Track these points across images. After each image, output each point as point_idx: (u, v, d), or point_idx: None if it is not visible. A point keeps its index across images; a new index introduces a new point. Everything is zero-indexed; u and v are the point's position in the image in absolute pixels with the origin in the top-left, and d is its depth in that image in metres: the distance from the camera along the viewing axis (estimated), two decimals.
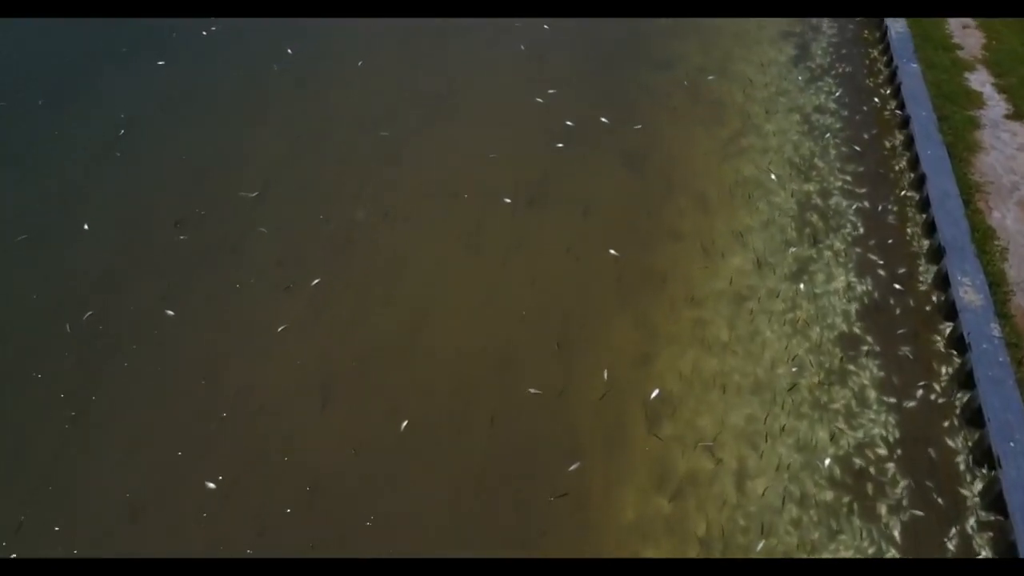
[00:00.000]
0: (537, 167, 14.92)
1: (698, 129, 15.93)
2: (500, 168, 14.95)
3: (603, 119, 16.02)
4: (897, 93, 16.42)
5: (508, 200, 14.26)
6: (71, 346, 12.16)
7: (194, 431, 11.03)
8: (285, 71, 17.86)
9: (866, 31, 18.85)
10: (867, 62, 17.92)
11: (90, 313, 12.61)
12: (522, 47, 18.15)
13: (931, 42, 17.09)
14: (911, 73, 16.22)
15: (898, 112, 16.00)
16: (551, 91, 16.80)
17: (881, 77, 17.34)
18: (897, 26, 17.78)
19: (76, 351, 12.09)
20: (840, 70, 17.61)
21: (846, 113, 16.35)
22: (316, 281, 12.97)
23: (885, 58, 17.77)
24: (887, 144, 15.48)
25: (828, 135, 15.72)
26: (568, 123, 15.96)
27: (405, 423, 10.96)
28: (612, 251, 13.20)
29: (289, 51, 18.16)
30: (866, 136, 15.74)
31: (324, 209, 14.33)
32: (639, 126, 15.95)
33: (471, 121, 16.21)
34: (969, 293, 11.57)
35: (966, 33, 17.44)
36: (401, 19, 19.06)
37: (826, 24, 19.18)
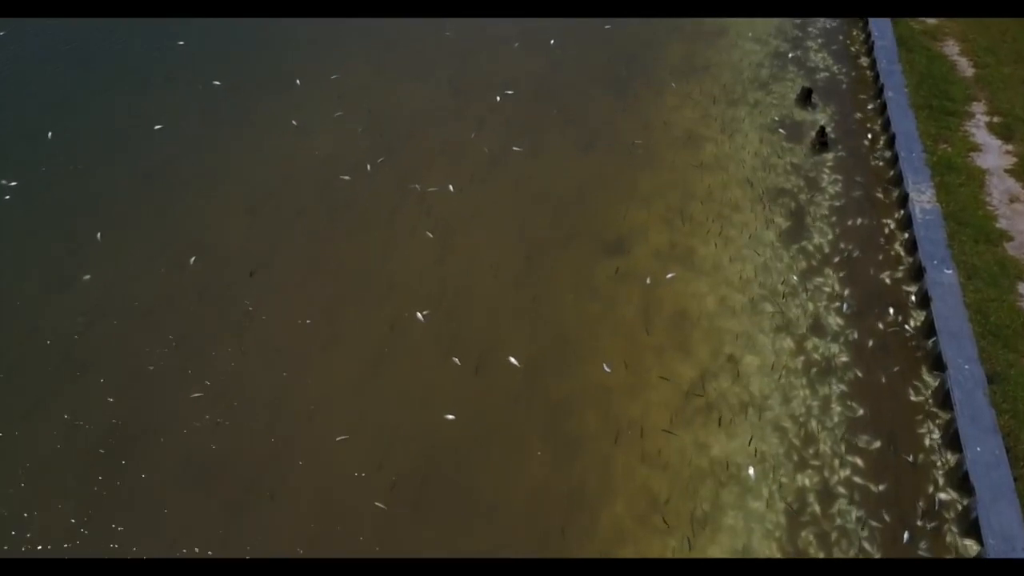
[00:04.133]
0: (411, 455, 10.46)
1: (650, 370, 11.49)
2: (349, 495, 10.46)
3: (512, 359, 11.58)
4: (925, 302, 12.03)
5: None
6: None
7: None
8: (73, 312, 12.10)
9: (879, 190, 14.41)
10: (881, 240, 13.50)
11: None
12: (429, 234, 13.54)
13: (969, 227, 12.68)
14: (944, 287, 11.79)
15: (927, 342, 11.62)
16: (425, 312, 12.25)
17: (901, 269, 12.94)
18: (923, 199, 13.35)
19: None
20: (845, 255, 13.19)
21: (855, 336, 11.93)
22: None
23: (905, 235, 13.36)
24: (913, 396, 11.08)
25: (832, 381, 11.32)
26: (456, 361, 11.52)
27: None
28: None
29: (99, 236, 13.37)
30: (884, 379, 11.34)
31: None
32: (565, 366, 11.52)
33: (328, 396, 11.21)
34: None
35: (1015, 211, 13.03)
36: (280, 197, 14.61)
37: (826, 178, 14.74)
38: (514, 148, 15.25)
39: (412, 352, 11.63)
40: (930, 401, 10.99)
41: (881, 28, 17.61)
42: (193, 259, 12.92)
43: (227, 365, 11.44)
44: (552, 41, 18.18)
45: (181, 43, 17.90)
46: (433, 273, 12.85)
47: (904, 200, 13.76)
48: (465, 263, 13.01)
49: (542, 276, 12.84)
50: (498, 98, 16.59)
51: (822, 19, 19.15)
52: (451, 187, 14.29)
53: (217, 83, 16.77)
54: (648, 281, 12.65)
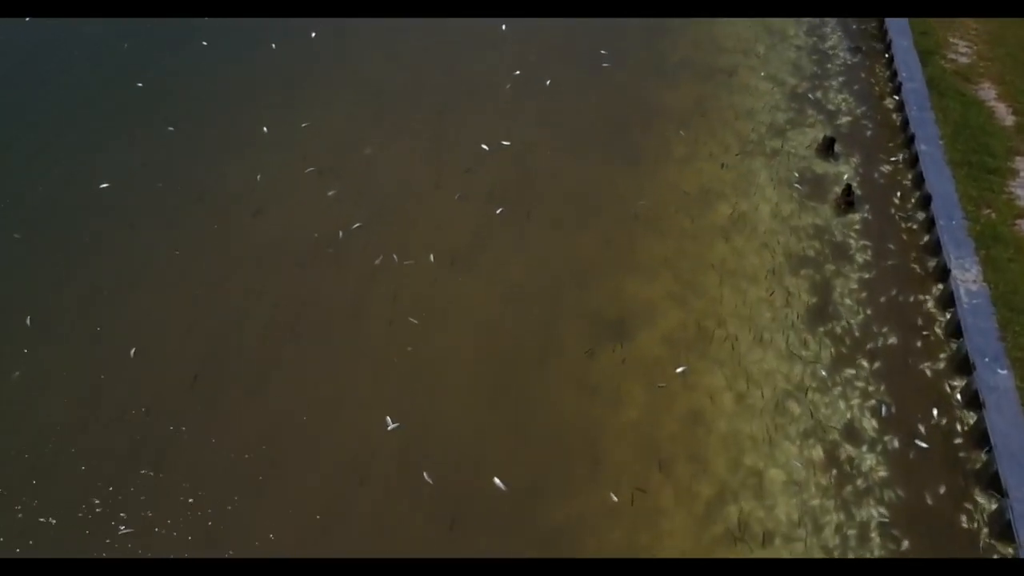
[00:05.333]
0: None
1: (657, 489, 9.89)
2: None
3: (497, 481, 9.96)
4: (973, 402, 10.46)
5: None
6: None
7: None
8: None
9: (914, 259, 12.83)
10: (919, 321, 11.93)
11: None
12: (413, 320, 11.82)
13: (1023, 315, 11.09)
14: (999, 392, 10.19)
15: (979, 453, 10.05)
16: (396, 424, 10.56)
17: (943, 358, 11.36)
18: (967, 277, 11.76)
19: None
20: (880, 342, 11.61)
21: (895, 444, 10.36)
22: None
23: (947, 316, 11.80)
24: (965, 524, 9.51)
25: (870, 502, 9.74)
26: (427, 480, 9.92)
27: None
28: None
29: (15, 374, 11.07)
30: (929, 499, 9.78)
31: None
32: (561, 486, 9.90)
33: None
34: None
35: None
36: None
37: (854, 244, 13.14)
38: (500, 211, 13.65)
39: (378, 476, 9.99)
40: (985, 531, 9.43)
41: (910, 68, 16.02)
42: (133, 351, 11.30)
43: (144, 510, 9.72)
44: (548, 82, 16.57)
45: (140, 84, 16.28)
46: (406, 367, 11.23)
47: (943, 272, 12.19)
48: (443, 353, 11.41)
49: (534, 369, 11.24)
50: (485, 147, 14.99)
51: (842, 54, 17.56)
52: (431, 257, 12.67)
53: (171, 129, 15.12)
54: (660, 384, 11.01)
